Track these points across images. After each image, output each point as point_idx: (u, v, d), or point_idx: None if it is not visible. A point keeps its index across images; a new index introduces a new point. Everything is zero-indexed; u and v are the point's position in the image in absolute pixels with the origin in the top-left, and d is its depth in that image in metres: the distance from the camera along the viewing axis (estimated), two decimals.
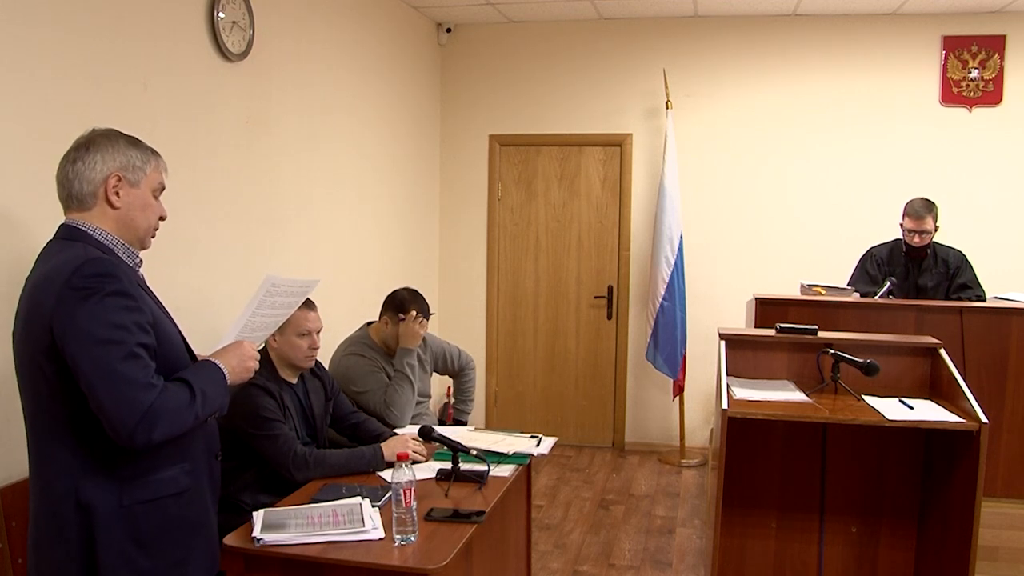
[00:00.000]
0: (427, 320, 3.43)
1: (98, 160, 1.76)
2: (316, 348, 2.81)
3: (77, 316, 1.61)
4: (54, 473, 1.71)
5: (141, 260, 1.85)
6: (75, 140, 1.81)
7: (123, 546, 1.70)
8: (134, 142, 1.83)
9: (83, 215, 1.77)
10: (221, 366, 1.82)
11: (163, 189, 1.88)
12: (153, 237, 1.88)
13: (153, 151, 1.86)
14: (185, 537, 1.81)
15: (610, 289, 5.70)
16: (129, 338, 1.64)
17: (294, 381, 2.82)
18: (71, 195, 1.77)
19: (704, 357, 5.42)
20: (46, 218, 2.40)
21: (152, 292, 1.86)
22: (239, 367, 1.87)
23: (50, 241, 1.79)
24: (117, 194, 1.77)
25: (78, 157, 1.77)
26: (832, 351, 3.12)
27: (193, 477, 1.83)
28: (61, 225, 1.79)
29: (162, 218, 1.88)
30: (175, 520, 1.79)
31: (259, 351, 2.03)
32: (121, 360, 1.61)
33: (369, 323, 3.57)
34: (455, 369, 3.82)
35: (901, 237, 4.25)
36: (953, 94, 5.18)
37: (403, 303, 3.40)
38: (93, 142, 1.78)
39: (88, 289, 1.62)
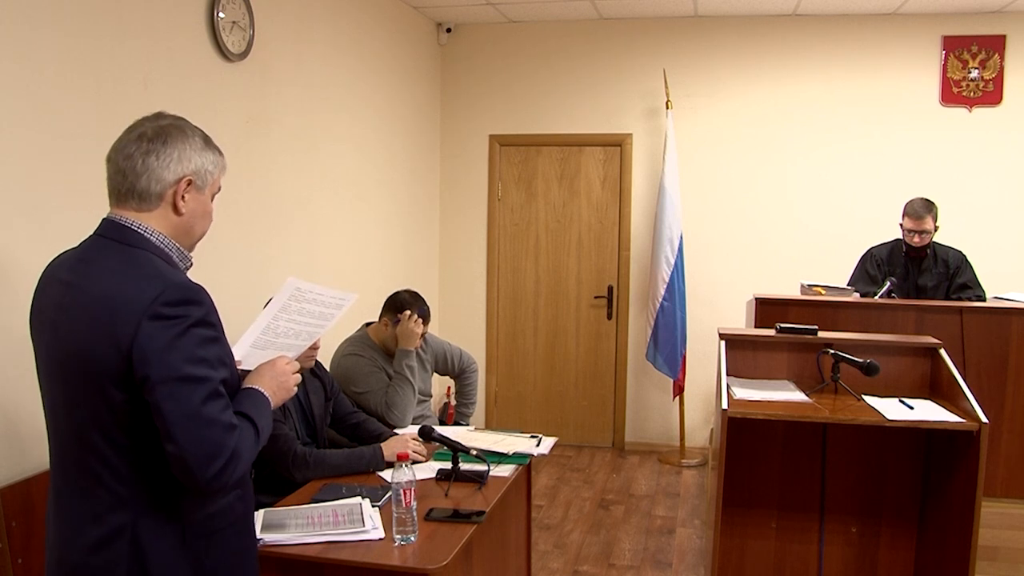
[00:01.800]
0: (426, 322, 3.42)
1: (174, 158, 1.58)
2: (316, 348, 2.81)
3: (161, 349, 1.46)
4: (109, 506, 1.53)
5: (192, 263, 1.68)
6: (143, 126, 1.61)
7: None
8: (207, 140, 1.67)
9: (140, 215, 1.58)
10: (266, 394, 1.68)
11: (219, 190, 1.73)
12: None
13: (220, 151, 1.71)
14: (239, 564, 1.70)
15: (610, 289, 5.70)
16: (213, 375, 1.51)
17: None
18: (134, 191, 1.57)
19: (704, 357, 5.42)
20: (49, 216, 2.40)
21: None
22: (280, 390, 1.72)
23: (95, 239, 1.60)
24: (184, 198, 1.60)
25: (152, 150, 1.57)
26: (832, 351, 3.12)
27: (244, 502, 1.71)
28: (111, 222, 1.59)
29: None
30: (232, 549, 1.66)
31: None
32: (204, 400, 1.48)
33: (368, 323, 3.57)
34: (456, 370, 3.81)
35: (901, 237, 4.25)
36: (953, 94, 5.18)
37: (403, 304, 3.39)
38: (170, 136, 1.59)
39: (174, 319, 1.47)
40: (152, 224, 1.59)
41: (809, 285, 4.11)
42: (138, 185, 1.57)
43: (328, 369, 3.39)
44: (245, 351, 1.81)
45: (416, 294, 3.48)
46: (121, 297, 1.49)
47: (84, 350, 1.50)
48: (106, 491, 1.53)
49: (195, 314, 1.50)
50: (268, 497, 2.55)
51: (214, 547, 1.61)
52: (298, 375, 1.80)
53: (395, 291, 3.52)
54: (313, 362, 2.86)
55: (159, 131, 1.59)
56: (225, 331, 1.62)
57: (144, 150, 1.57)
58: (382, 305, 3.49)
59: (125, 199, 1.58)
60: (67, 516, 1.59)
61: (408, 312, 3.36)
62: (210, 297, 1.55)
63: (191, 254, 1.68)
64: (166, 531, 1.55)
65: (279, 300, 1.87)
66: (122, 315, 1.47)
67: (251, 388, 1.67)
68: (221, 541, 1.62)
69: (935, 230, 4.17)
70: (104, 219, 1.61)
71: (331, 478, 2.60)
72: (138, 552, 1.53)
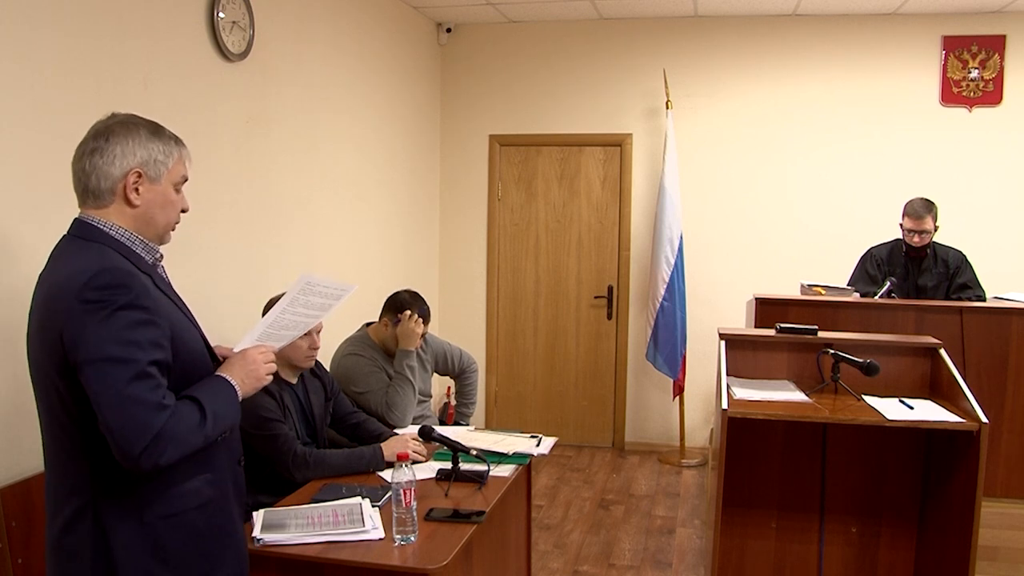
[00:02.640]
0: (426, 321, 3.42)
1: (117, 154, 1.64)
2: (316, 348, 2.81)
3: (87, 332, 1.51)
4: (71, 489, 1.62)
5: (162, 255, 1.75)
6: (93, 126, 1.69)
7: (144, 564, 1.62)
8: (156, 130, 1.71)
9: (99, 212, 1.66)
10: (232, 382, 1.72)
11: (186, 181, 1.76)
12: (173, 231, 1.77)
13: (176, 140, 1.75)
14: (211, 549, 1.73)
15: (610, 289, 5.70)
16: (140, 356, 1.54)
17: (294, 381, 2.82)
18: (88, 190, 1.65)
19: (704, 357, 5.42)
20: (48, 216, 2.40)
21: (173, 289, 1.78)
22: (248, 379, 1.76)
23: (64, 238, 1.68)
24: (136, 191, 1.65)
25: (96, 148, 1.64)
26: (832, 351, 3.12)
27: (216, 487, 1.73)
28: (76, 220, 1.68)
29: (184, 210, 1.77)
30: (200, 533, 1.69)
31: None
32: (130, 380, 1.51)
33: (368, 323, 3.57)
34: (456, 371, 3.81)
35: (901, 237, 4.25)
36: (953, 94, 5.18)
37: (403, 304, 3.39)
38: (113, 132, 1.65)
39: (99, 303, 1.52)
40: (111, 219, 1.66)
41: (809, 285, 4.11)
42: (90, 185, 1.65)
43: (328, 369, 3.39)
44: (250, 344, 1.87)
45: (416, 294, 3.48)
46: (60, 287, 1.57)
47: (40, 341, 1.60)
48: (69, 475, 1.62)
49: (122, 298, 1.54)
50: (268, 497, 2.56)
51: (175, 529, 1.65)
52: (272, 364, 1.84)
53: (395, 291, 3.52)
54: (313, 362, 2.86)
55: (104, 130, 1.67)
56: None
57: (90, 150, 1.65)
58: (382, 305, 3.49)
59: (84, 199, 1.68)
60: (47, 501, 1.68)
61: (408, 312, 3.36)
62: (141, 282, 1.60)
63: (159, 246, 1.74)
64: (125, 512, 1.61)
65: (290, 294, 1.94)
66: (60, 302, 1.55)
67: (216, 376, 1.72)
68: (183, 523, 1.67)
69: (935, 230, 4.17)
70: (73, 219, 1.69)
71: (331, 478, 2.59)
72: (101, 532, 1.60)
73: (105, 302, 1.53)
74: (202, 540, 1.70)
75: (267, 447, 2.60)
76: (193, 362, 1.70)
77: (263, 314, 2.76)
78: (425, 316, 3.41)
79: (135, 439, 1.51)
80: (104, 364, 1.51)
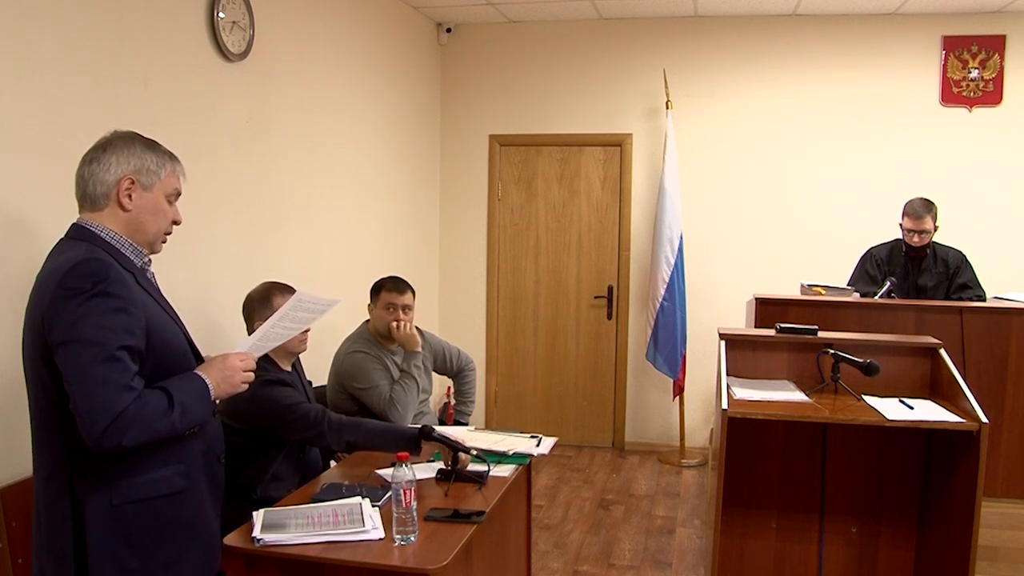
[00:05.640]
0: (401, 292, 3.41)
1: (113, 162, 1.78)
2: (307, 330, 2.82)
3: (62, 316, 1.63)
4: (51, 470, 1.73)
5: (150, 260, 1.87)
6: (97, 140, 1.84)
7: (112, 545, 1.71)
8: (151, 145, 1.85)
9: (94, 215, 1.79)
10: (207, 381, 1.80)
11: (179, 195, 1.89)
12: (164, 242, 1.89)
13: (171, 155, 1.88)
14: (177, 538, 1.81)
15: (610, 289, 5.70)
16: (111, 339, 1.64)
17: (289, 369, 2.85)
18: (85, 194, 1.80)
19: (704, 357, 5.42)
20: (48, 216, 2.40)
21: (159, 291, 1.87)
22: (224, 384, 1.84)
23: (60, 239, 1.80)
24: (129, 196, 1.79)
25: (94, 158, 1.80)
26: (832, 351, 3.12)
27: (188, 479, 1.82)
28: (73, 224, 1.81)
29: (176, 222, 1.89)
30: (167, 521, 1.78)
31: None
32: (99, 362, 1.61)
33: (367, 321, 3.59)
34: (453, 369, 3.82)
35: (901, 237, 4.25)
36: (953, 94, 5.18)
37: (379, 286, 3.46)
38: (111, 144, 1.81)
39: (76, 289, 1.64)
40: (103, 222, 1.79)
41: (809, 285, 4.11)
42: (86, 190, 1.80)
43: (332, 367, 3.43)
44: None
45: (391, 276, 3.52)
46: (46, 278, 1.70)
47: (28, 328, 1.72)
48: (51, 455, 1.74)
49: (98, 286, 1.65)
50: (278, 490, 2.63)
51: (143, 515, 1.74)
52: (250, 374, 1.91)
53: None
54: (306, 345, 2.87)
55: (104, 142, 1.83)
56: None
57: (88, 159, 1.81)
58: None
59: (82, 204, 1.82)
60: (35, 482, 1.79)
61: (398, 315, 3.39)
62: (119, 274, 1.71)
63: (148, 252, 1.85)
64: (97, 493, 1.71)
65: (282, 310, 2.04)
66: (44, 292, 1.68)
67: (192, 372, 1.81)
68: (151, 510, 1.76)
69: (935, 230, 4.17)
70: (71, 224, 1.82)
71: (364, 446, 2.62)
72: (77, 512, 1.71)
73: (81, 289, 1.64)
74: (169, 529, 1.79)
75: (299, 429, 2.63)
76: (172, 358, 1.79)
77: (243, 312, 2.82)
78: (399, 287, 3.43)
79: (99, 417, 1.60)
80: (76, 345, 1.61)
